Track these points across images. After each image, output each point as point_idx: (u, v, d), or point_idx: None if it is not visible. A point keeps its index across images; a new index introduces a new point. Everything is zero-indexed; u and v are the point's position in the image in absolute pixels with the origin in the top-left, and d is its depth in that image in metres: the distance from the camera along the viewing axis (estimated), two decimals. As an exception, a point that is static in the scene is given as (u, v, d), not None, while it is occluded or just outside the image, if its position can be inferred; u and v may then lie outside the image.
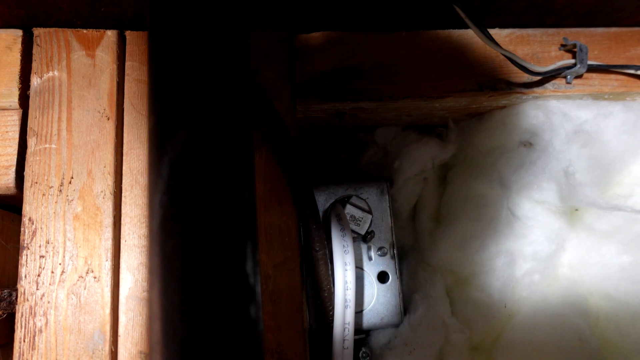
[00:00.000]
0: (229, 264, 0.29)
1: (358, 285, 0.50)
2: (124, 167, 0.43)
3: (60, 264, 0.41)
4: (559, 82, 0.51)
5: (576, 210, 0.52)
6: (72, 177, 0.42)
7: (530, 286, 0.50)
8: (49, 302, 0.40)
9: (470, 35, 0.50)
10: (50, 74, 0.44)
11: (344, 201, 0.51)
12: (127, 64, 0.46)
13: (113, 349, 0.40)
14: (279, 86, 0.47)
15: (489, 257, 0.49)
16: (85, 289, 0.41)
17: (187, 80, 0.32)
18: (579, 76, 0.51)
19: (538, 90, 0.50)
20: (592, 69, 0.51)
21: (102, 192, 0.42)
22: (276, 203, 0.44)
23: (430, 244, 0.52)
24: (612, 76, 0.52)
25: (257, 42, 0.47)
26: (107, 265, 0.41)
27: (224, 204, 0.30)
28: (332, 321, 0.45)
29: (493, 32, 0.51)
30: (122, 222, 0.43)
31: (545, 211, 0.50)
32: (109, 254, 0.41)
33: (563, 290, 0.51)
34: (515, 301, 0.50)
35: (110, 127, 0.44)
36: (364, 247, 0.52)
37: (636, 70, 0.50)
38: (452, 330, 0.49)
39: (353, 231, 0.50)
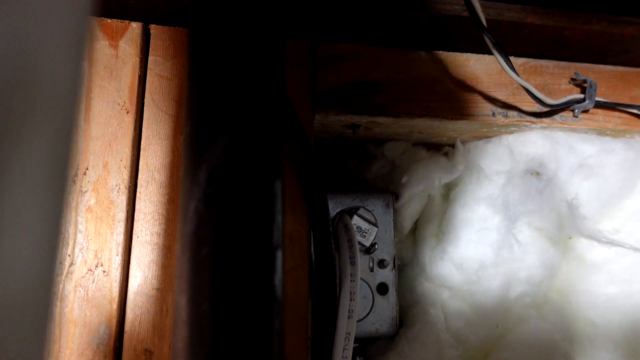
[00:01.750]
0: (260, 276, 0.30)
1: (359, 295, 0.51)
2: (140, 163, 0.43)
3: (69, 255, 0.40)
4: (566, 114, 0.53)
5: (570, 238, 0.54)
6: (87, 169, 0.42)
7: (523, 309, 0.52)
8: (55, 293, 0.40)
9: (487, 60, 0.52)
10: (73, 61, 0.43)
11: (351, 212, 0.52)
12: (150, 58, 0.45)
13: (118, 345, 0.40)
14: (300, 95, 0.47)
15: (486, 278, 0.51)
16: (93, 282, 0.40)
17: (229, 88, 0.32)
18: (585, 111, 0.53)
19: (546, 120, 0.52)
20: (598, 105, 0.53)
21: (116, 185, 0.42)
22: (290, 210, 0.45)
23: (430, 260, 0.53)
24: (616, 114, 0.54)
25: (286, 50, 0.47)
26: (118, 260, 0.41)
27: (258, 215, 0.31)
28: (333, 330, 0.46)
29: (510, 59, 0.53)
30: (135, 217, 0.42)
31: (543, 238, 0.52)
32: (120, 249, 0.41)
33: (552, 314, 0.53)
34: (507, 322, 0.52)
35: (129, 121, 0.43)
36: (366, 257, 0.53)
37: (639, 110, 0.53)
38: (445, 346, 0.50)
39: (359, 242, 0.51)
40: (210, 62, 0.33)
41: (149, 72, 0.45)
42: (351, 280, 0.46)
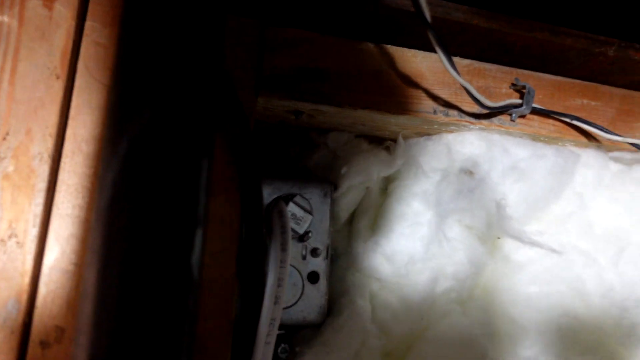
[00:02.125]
0: (176, 254, 0.29)
1: (288, 282, 0.51)
2: (67, 132, 0.41)
3: (-20, 223, 0.38)
4: (504, 118, 0.54)
5: (498, 238, 0.56)
6: (7, 134, 0.39)
7: (447, 303, 0.54)
8: (-38, 261, 0.37)
9: (433, 59, 0.52)
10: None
11: (287, 198, 0.51)
12: (87, 23, 0.43)
13: (27, 321, 0.38)
14: (243, 75, 0.46)
15: (415, 271, 0.52)
16: (5, 253, 0.38)
17: (158, 57, 0.31)
18: (523, 116, 0.55)
19: (485, 122, 0.54)
20: (534, 112, 0.54)
21: (39, 154, 0.40)
22: (222, 191, 0.44)
23: (363, 251, 0.53)
24: (551, 121, 0.56)
25: (229, 27, 0.46)
26: (34, 232, 0.39)
27: (178, 192, 0.30)
28: (258, 315, 0.45)
29: (454, 60, 0.53)
30: (57, 189, 0.40)
31: (472, 236, 0.54)
32: (38, 221, 0.39)
33: (475, 310, 0.55)
34: (431, 315, 0.53)
35: (58, 87, 0.41)
36: (299, 245, 0.53)
37: (571, 119, 0.55)
38: (370, 336, 0.51)
39: (292, 229, 0.50)
40: (141, 29, 0.31)
41: (84, 37, 0.43)
42: (280, 267, 0.46)
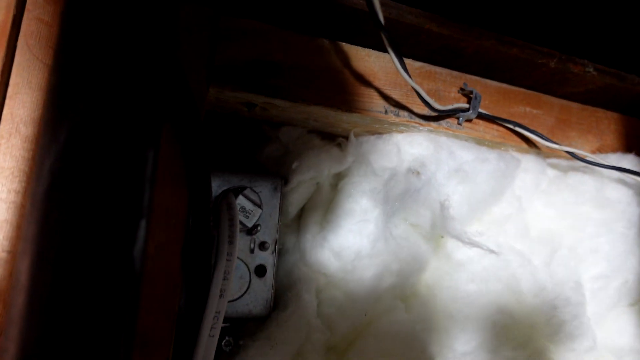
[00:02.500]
0: (117, 246, 0.28)
1: (235, 275, 0.51)
2: (4, 112, 0.39)
3: None
4: (452, 121, 0.56)
5: (442, 237, 0.58)
6: (-64, 110, 0.37)
7: (391, 299, 0.55)
8: None
9: (387, 59, 0.53)
10: None
11: (237, 191, 0.51)
12: (30, -2, 0.41)
13: (-46, 309, 0.36)
14: (196, 65, 0.45)
15: (361, 267, 0.53)
16: None
17: (107, 42, 0.30)
18: (469, 120, 0.57)
19: (433, 124, 0.55)
20: (480, 117, 0.57)
21: (-28, 134, 0.37)
22: (169, 182, 0.43)
23: (311, 246, 0.54)
24: (495, 126, 0.58)
25: (182, 13, 0.45)
26: (-36, 216, 0.37)
27: (121, 181, 0.29)
28: (204, 308, 0.45)
29: (407, 61, 0.54)
30: (-9, 171, 0.38)
31: (417, 234, 0.55)
32: (-32, 204, 0.37)
33: (417, 306, 0.56)
34: (375, 311, 0.54)
35: (-5, 64, 0.39)
36: (247, 239, 0.52)
37: (514, 126, 0.57)
38: (314, 330, 0.52)
39: (240, 223, 0.50)
40: (87, 9, 0.30)
41: (26, 13, 0.41)
42: (227, 260, 0.45)
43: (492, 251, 0.51)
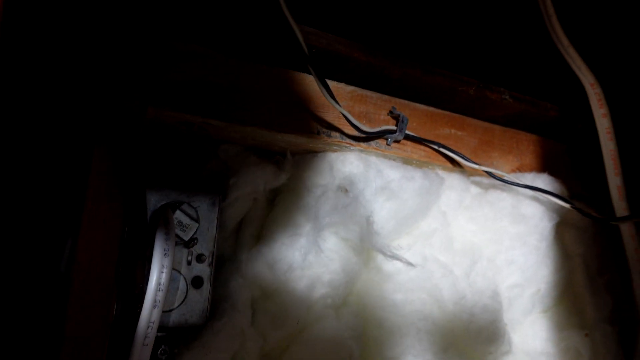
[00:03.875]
0: (45, 261, 0.30)
1: (171, 286, 0.53)
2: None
3: None
4: (381, 142, 0.60)
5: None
6: None
7: (323, 309, 0.58)
8: None
9: (321, 89, 0.57)
10: None
11: (174, 206, 0.53)
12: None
13: None
14: (135, 84, 0.48)
15: (294, 279, 0.56)
16: None
17: (38, 61, 0.32)
18: (397, 141, 0.61)
19: (364, 145, 0.59)
20: (408, 138, 0.61)
21: None
22: (105, 197, 0.45)
23: (247, 258, 0.57)
24: (422, 147, 0.63)
25: (121, 35, 0.47)
26: None
27: (49, 196, 0.31)
28: (137, 318, 0.47)
29: (339, 85, 0.59)
30: None
31: (347, 247, 0.59)
32: None
33: (348, 315, 0.60)
34: (307, 320, 0.57)
35: None
36: (185, 251, 0.55)
37: (438, 147, 0.62)
38: (248, 339, 0.54)
39: (178, 236, 0.53)
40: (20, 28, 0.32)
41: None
42: (161, 272, 0.48)
43: (410, 264, 0.55)
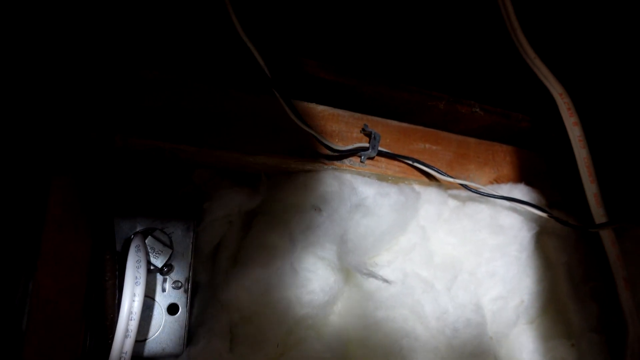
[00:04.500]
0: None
1: (146, 315, 0.53)
2: None
3: None
4: (354, 159, 0.61)
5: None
6: None
7: (303, 330, 0.58)
8: None
9: (288, 110, 0.57)
10: None
11: (147, 233, 0.53)
12: None
13: None
14: (101, 113, 0.48)
15: (271, 301, 0.55)
16: None
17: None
18: (371, 158, 0.61)
19: (337, 163, 0.59)
20: (381, 154, 0.61)
21: None
22: (73, 229, 0.45)
23: (224, 282, 0.56)
24: (396, 163, 0.63)
25: (85, 64, 0.48)
26: None
27: (7, 236, 0.31)
28: (109, 349, 0.46)
29: (310, 105, 0.59)
30: None
31: (325, 267, 0.58)
32: None
33: (329, 335, 0.59)
34: (288, 342, 0.57)
35: None
36: (160, 279, 0.54)
37: (413, 162, 0.63)
38: (227, 364, 0.53)
39: (151, 263, 0.52)
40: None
41: None
42: (133, 300, 0.47)
43: (386, 281, 0.55)
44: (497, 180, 0.72)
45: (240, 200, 0.57)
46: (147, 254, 0.51)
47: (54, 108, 0.35)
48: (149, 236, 0.52)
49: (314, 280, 0.57)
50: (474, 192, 0.64)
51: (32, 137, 0.32)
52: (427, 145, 0.67)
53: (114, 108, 0.49)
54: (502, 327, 0.65)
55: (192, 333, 0.56)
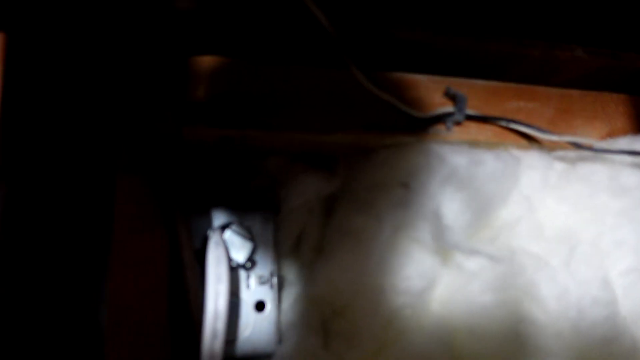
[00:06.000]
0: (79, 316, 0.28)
1: (233, 314, 0.50)
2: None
3: None
4: (439, 127, 0.54)
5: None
6: None
7: (402, 320, 0.52)
8: None
9: (361, 77, 0.52)
10: None
11: (224, 228, 0.50)
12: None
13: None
14: (167, 106, 0.46)
15: (363, 291, 0.51)
16: None
17: (53, 92, 0.31)
18: (458, 123, 0.54)
19: (420, 133, 0.53)
20: (469, 118, 0.54)
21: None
22: (148, 229, 0.43)
23: (310, 275, 0.52)
24: (488, 126, 0.56)
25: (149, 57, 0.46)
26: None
27: (72, 241, 0.29)
28: (198, 353, 0.44)
29: (382, 73, 0.54)
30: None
31: (420, 249, 0.52)
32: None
33: (432, 325, 0.53)
34: (386, 335, 0.51)
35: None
36: (244, 275, 0.51)
37: (508, 123, 0.55)
38: (322, 363, 0.49)
39: (233, 259, 0.49)
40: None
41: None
42: (217, 300, 0.44)
43: (492, 258, 0.48)
44: (611, 135, 0.61)
45: (317, 184, 0.53)
46: (227, 250, 0.48)
47: (118, 104, 0.32)
48: (228, 231, 0.50)
49: (409, 265, 0.51)
50: (586, 149, 0.55)
51: (97, 135, 0.29)
52: (522, 104, 0.58)
53: (177, 99, 0.46)
54: (637, 304, 0.56)
55: (282, 330, 0.53)
